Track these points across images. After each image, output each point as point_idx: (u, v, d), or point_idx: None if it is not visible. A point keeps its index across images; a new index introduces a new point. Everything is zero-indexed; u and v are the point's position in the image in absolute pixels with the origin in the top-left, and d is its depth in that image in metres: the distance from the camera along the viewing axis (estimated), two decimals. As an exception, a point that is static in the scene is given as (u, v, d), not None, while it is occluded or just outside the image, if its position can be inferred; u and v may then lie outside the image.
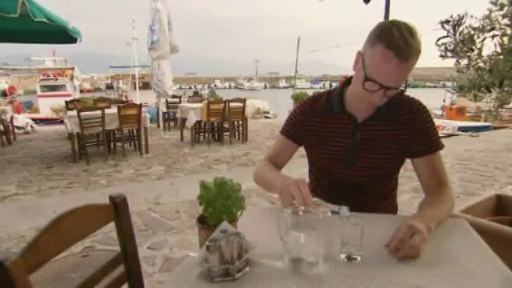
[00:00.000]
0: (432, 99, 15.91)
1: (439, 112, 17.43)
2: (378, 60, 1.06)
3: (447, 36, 2.04)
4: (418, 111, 1.24)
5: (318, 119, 1.32)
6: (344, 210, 1.04)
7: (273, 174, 1.27)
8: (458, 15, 1.98)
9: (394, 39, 1.02)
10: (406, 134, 1.23)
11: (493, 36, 1.93)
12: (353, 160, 1.27)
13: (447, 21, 2.01)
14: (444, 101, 18.34)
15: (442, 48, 2.06)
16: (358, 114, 1.26)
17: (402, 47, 1.02)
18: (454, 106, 16.38)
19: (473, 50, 1.99)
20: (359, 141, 1.26)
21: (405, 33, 1.03)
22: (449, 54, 2.06)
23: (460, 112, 15.89)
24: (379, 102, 1.13)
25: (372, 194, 1.34)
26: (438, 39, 2.05)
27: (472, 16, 1.96)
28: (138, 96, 16.64)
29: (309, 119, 1.33)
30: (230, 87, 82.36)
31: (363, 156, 1.27)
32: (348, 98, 1.27)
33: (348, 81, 1.29)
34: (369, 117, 1.25)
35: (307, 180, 1.42)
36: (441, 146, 1.25)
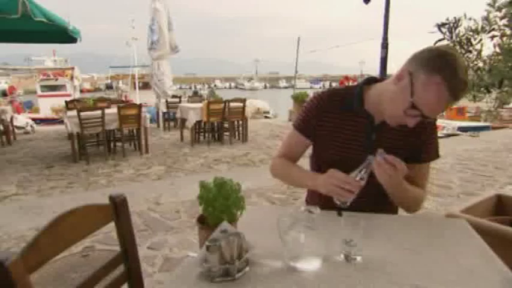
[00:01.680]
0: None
1: (439, 112, 17.42)
2: (432, 94, 1.03)
3: (443, 39, 2.04)
4: (430, 122, 1.24)
5: (333, 115, 1.30)
6: (379, 152, 1.08)
7: (297, 172, 1.36)
8: (455, 18, 1.98)
9: (456, 80, 1.00)
10: (414, 142, 1.26)
11: (493, 37, 1.93)
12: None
13: (443, 24, 2.01)
14: (444, 101, 18.33)
15: None
16: (377, 115, 1.26)
17: (460, 89, 1.01)
18: (454, 106, 16.37)
19: (470, 52, 1.99)
20: (374, 142, 1.26)
21: (464, 75, 1.01)
22: None
23: (460, 112, 15.89)
24: (412, 125, 1.11)
25: (373, 193, 1.33)
26: (435, 43, 2.04)
27: (470, 19, 1.97)
28: (138, 96, 16.64)
29: (324, 113, 1.31)
30: (230, 87, 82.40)
31: None
32: (370, 98, 1.26)
33: (367, 81, 1.29)
34: (386, 120, 1.25)
35: None
36: (437, 156, 1.31)
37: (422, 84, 1.03)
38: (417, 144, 1.26)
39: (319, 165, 1.42)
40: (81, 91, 21.67)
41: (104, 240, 2.73)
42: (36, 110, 16.24)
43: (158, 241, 2.82)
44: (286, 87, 71.11)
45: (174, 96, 9.23)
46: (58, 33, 5.65)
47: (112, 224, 1.08)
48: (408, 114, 1.08)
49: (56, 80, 17.83)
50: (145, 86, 17.55)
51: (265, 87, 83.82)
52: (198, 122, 6.94)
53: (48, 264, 0.87)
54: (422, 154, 1.27)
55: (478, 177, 4.49)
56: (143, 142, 6.16)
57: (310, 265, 0.88)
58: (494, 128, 10.58)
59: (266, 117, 14.50)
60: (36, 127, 9.53)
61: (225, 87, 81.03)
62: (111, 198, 1.07)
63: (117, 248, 1.11)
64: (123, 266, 1.09)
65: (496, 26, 1.92)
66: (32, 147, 6.96)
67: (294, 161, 1.42)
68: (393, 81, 1.13)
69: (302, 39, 18.46)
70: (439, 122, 11.55)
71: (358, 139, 1.28)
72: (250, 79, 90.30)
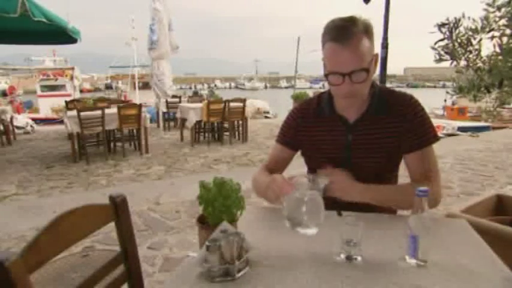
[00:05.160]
0: (432, 100, 15.90)
1: (441, 112, 17.46)
2: (328, 55, 1.15)
3: (443, 39, 2.03)
4: (410, 105, 1.25)
5: (310, 124, 1.35)
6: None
7: (262, 181, 1.27)
8: (455, 18, 1.97)
9: (331, 31, 1.13)
10: (398, 131, 1.24)
11: (492, 37, 1.93)
12: (348, 161, 1.28)
13: (443, 24, 2.00)
14: (445, 101, 18.36)
15: (438, 51, 2.05)
16: (349, 115, 1.28)
17: (338, 32, 1.11)
18: (455, 106, 16.38)
19: (471, 52, 1.98)
20: (352, 142, 1.27)
21: (339, 21, 1.13)
22: (446, 57, 2.04)
23: (461, 112, 15.89)
24: (349, 91, 1.15)
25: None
26: (435, 43, 2.03)
27: (469, 18, 1.95)
28: (137, 96, 16.64)
29: (301, 124, 1.36)
30: (230, 87, 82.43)
31: (357, 156, 1.28)
32: (336, 100, 1.30)
33: None
34: (360, 117, 1.27)
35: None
36: (435, 139, 1.24)
37: (323, 56, 1.19)
38: (404, 131, 1.22)
39: (310, 171, 1.43)
40: (81, 91, 21.65)
41: (104, 240, 2.73)
42: (36, 110, 16.22)
43: (158, 241, 2.82)
44: (287, 87, 71.12)
45: (174, 96, 9.23)
46: (58, 34, 5.64)
47: (112, 224, 1.08)
48: (334, 83, 1.16)
49: (56, 80, 17.82)
50: (145, 86, 17.56)
51: (266, 87, 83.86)
52: (198, 122, 6.94)
53: (48, 264, 0.87)
54: (414, 140, 1.22)
55: (478, 177, 4.49)
56: (143, 142, 6.16)
57: (310, 231, 0.98)
58: (494, 128, 10.57)
59: (266, 117, 14.50)
60: (36, 127, 9.53)
61: (225, 87, 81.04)
62: (111, 198, 1.07)
63: (117, 248, 1.11)
64: (123, 266, 1.09)
65: (495, 26, 1.91)
66: (32, 147, 6.96)
67: (278, 170, 1.39)
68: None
69: (302, 39, 18.47)
70: (439, 122, 11.56)
71: (338, 142, 1.30)
72: (250, 79, 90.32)
